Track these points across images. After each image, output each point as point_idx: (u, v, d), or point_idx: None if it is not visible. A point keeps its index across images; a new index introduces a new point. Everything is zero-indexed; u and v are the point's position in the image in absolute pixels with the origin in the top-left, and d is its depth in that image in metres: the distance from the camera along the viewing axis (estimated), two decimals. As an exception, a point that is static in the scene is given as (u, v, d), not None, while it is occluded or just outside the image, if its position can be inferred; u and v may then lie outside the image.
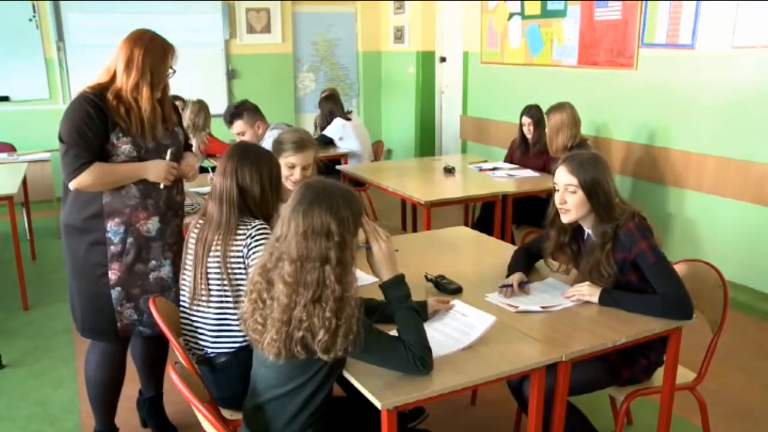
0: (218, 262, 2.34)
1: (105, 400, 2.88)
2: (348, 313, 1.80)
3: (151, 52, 2.60)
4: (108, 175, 2.57)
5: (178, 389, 1.87)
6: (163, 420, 3.12)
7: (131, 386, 3.09)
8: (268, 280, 1.89)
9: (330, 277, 1.79)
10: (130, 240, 2.65)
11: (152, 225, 2.68)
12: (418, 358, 1.87)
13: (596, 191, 2.39)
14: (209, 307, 2.39)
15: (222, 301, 2.37)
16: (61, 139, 2.56)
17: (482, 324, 2.16)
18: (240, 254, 2.32)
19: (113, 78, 2.61)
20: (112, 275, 2.66)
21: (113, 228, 2.63)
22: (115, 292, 2.67)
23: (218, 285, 2.36)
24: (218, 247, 2.34)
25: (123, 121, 2.57)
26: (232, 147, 2.52)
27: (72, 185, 2.55)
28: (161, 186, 2.68)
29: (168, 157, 2.68)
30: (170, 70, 2.69)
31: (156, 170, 2.64)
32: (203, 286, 2.37)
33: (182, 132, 2.90)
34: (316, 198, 1.82)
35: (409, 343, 1.89)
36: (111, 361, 2.82)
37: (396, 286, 2.00)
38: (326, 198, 1.83)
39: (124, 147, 2.59)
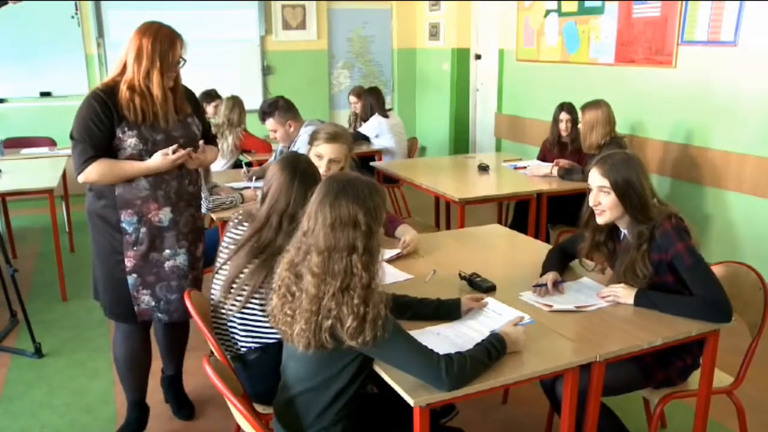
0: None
1: (126, 374, 3.00)
2: (376, 300, 1.82)
3: (159, 40, 2.64)
4: (112, 171, 2.65)
5: (212, 383, 1.89)
6: (182, 397, 3.26)
7: (155, 365, 3.17)
8: (296, 273, 1.91)
9: (357, 266, 1.82)
10: (143, 230, 2.74)
11: (164, 215, 2.76)
12: (450, 368, 1.82)
13: (629, 192, 2.36)
14: (234, 305, 2.42)
15: (248, 304, 2.39)
16: (71, 136, 2.67)
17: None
18: None
19: (124, 71, 2.67)
20: (128, 262, 2.76)
21: (127, 219, 2.72)
22: (131, 279, 2.77)
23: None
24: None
25: (133, 113, 2.62)
26: (286, 162, 2.47)
27: (80, 179, 2.66)
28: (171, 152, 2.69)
29: (170, 151, 2.68)
30: (181, 60, 2.73)
31: (159, 163, 2.68)
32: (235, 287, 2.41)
33: (198, 122, 2.90)
34: (343, 190, 1.85)
35: (459, 357, 1.86)
36: (128, 339, 2.94)
37: (501, 342, 1.98)
38: (352, 189, 1.85)
39: (130, 140, 2.65)
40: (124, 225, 2.73)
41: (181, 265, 2.83)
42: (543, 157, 5.16)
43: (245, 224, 2.47)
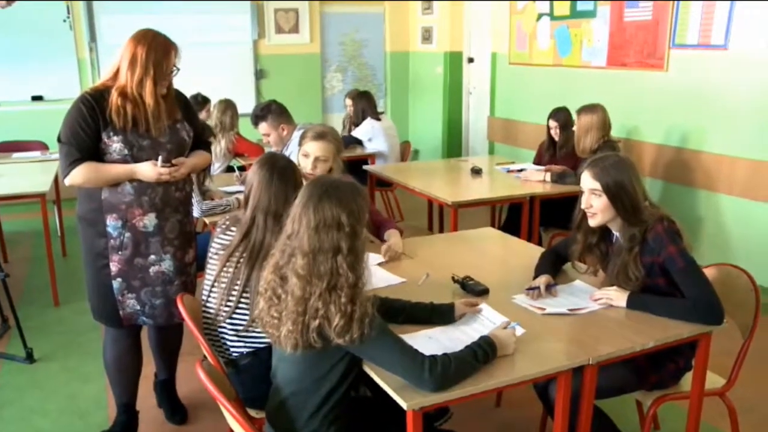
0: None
1: (115, 378, 3.02)
2: (363, 299, 1.85)
3: (154, 48, 2.64)
4: (96, 174, 2.64)
5: (205, 387, 1.89)
6: (175, 401, 3.27)
7: (148, 369, 3.20)
8: (281, 276, 1.93)
9: (342, 266, 1.85)
10: (127, 235, 2.74)
11: (149, 221, 2.75)
12: (434, 368, 1.82)
13: (620, 195, 2.36)
14: (225, 310, 2.42)
15: (237, 309, 2.40)
16: (58, 138, 2.67)
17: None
18: None
19: (116, 77, 2.67)
20: (113, 267, 2.77)
21: (112, 223, 2.73)
22: (116, 283, 2.78)
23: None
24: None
25: (123, 119, 2.61)
26: (263, 161, 2.49)
27: (66, 182, 2.67)
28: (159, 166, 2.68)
29: (159, 162, 2.68)
30: (174, 69, 2.73)
31: (145, 174, 2.68)
32: (224, 294, 2.41)
33: (189, 128, 2.88)
34: (325, 193, 1.88)
35: (444, 358, 1.86)
36: (116, 343, 2.96)
37: (491, 345, 1.97)
38: (335, 192, 1.88)
39: (115, 145, 2.64)
40: (109, 229, 2.73)
41: (167, 271, 2.83)
42: (538, 160, 5.18)
43: (233, 229, 2.47)
